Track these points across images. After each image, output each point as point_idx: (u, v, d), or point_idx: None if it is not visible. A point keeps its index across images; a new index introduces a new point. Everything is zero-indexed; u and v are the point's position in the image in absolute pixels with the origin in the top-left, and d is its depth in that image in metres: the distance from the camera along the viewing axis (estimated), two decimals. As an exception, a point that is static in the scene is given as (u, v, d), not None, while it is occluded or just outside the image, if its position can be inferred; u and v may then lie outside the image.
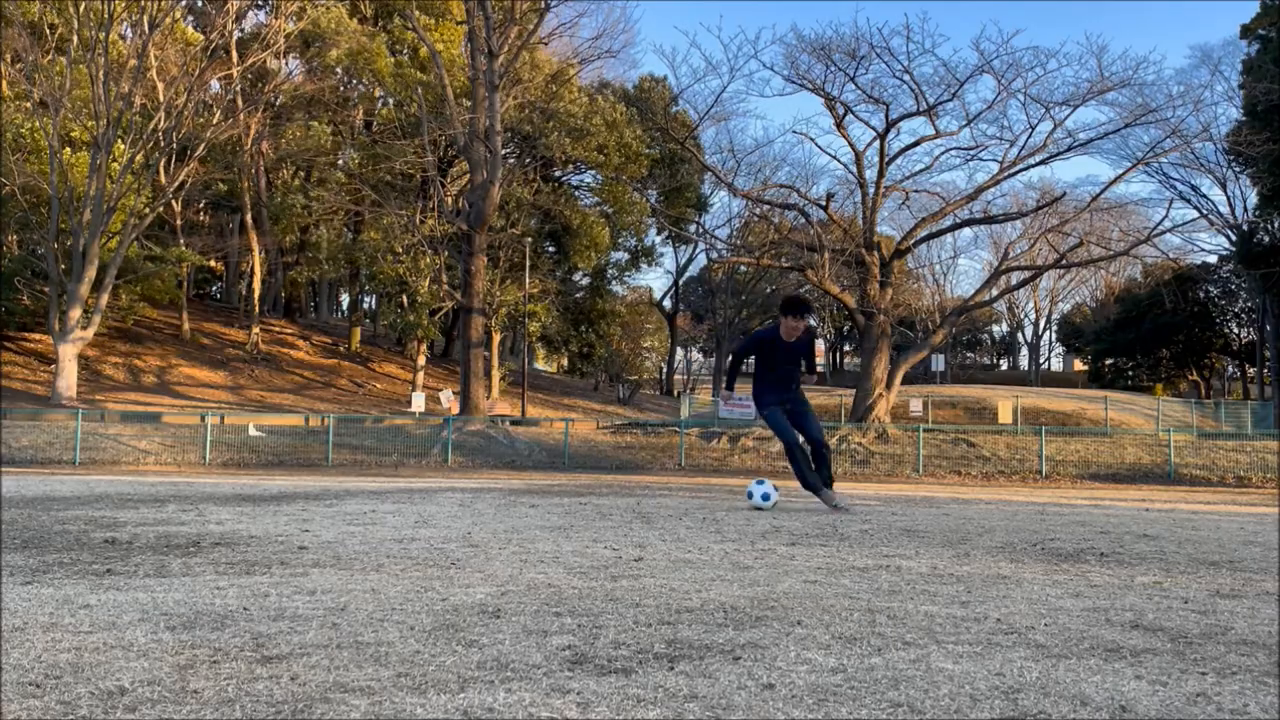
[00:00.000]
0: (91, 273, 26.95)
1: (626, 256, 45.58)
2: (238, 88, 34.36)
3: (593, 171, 39.62)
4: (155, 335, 36.74)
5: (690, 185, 43.39)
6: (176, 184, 29.86)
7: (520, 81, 31.17)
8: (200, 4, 36.24)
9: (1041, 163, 27.84)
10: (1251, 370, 60.34)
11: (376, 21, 36.70)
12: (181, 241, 35.37)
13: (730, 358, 8.76)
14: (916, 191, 29.85)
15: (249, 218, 36.55)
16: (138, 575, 3.56)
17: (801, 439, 8.07)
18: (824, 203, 28.94)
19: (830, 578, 3.79)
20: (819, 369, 9.59)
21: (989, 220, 31.36)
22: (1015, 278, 32.14)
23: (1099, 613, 3.08)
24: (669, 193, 42.02)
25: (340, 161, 33.89)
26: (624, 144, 35.96)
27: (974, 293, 30.83)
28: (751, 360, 8.64)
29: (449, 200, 33.47)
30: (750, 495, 7.84)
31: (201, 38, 32.27)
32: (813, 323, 9.42)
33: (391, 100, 35.50)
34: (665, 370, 57.33)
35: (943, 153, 29.26)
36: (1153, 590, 3.63)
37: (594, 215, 38.68)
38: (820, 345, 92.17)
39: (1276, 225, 39.59)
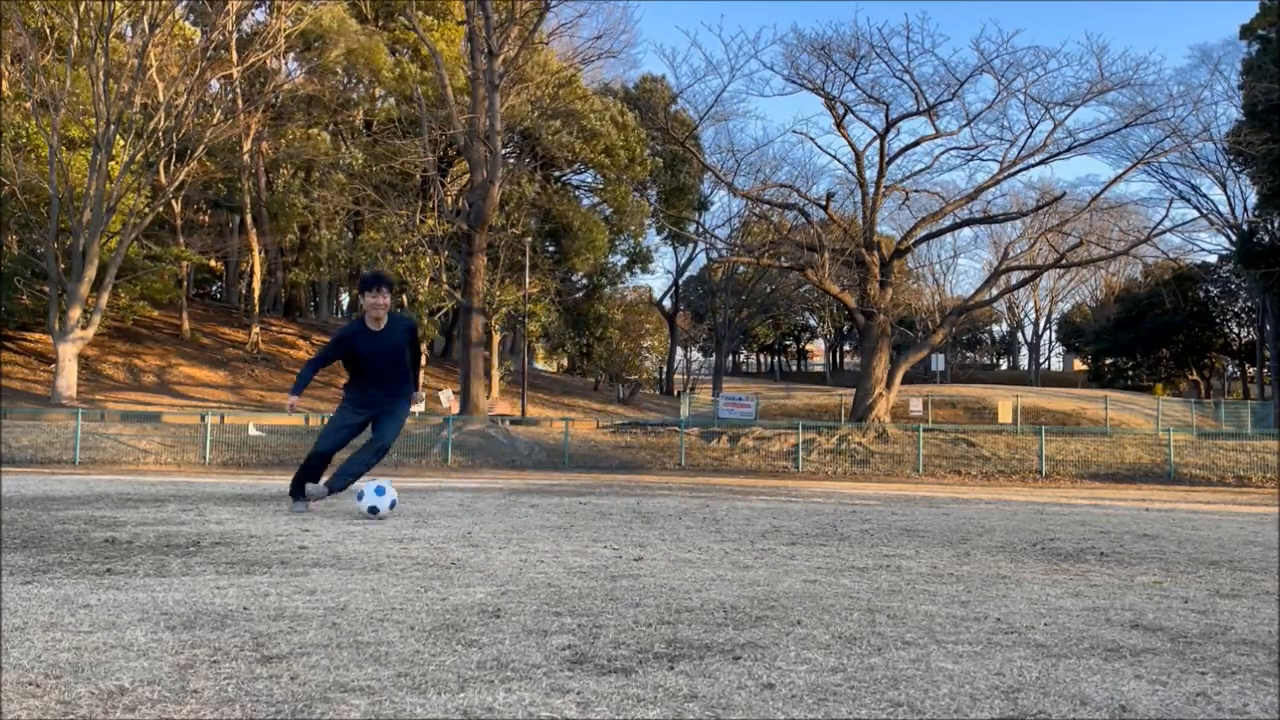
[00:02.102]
0: (91, 272, 26.95)
1: (624, 260, 45.63)
2: (238, 87, 34.36)
3: (592, 171, 39.60)
4: (155, 335, 36.74)
5: (691, 187, 43.36)
6: (176, 184, 29.86)
7: (524, 80, 31.13)
8: (201, 3, 36.25)
9: (1041, 162, 27.89)
10: (1251, 370, 60.33)
11: (377, 21, 36.69)
12: (181, 241, 35.35)
13: (311, 362, 6.77)
14: (916, 191, 29.88)
15: (249, 218, 36.55)
16: (138, 575, 3.56)
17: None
18: (824, 202, 28.96)
19: (830, 578, 3.79)
20: (419, 385, 7.64)
21: (989, 220, 31.40)
22: (1015, 277, 32.17)
23: (1099, 612, 3.08)
24: (669, 193, 41.99)
25: (343, 161, 33.83)
26: (629, 145, 35.95)
27: (974, 292, 30.86)
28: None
29: (449, 200, 33.47)
30: (360, 497, 6.28)
31: (198, 33, 32.26)
32: (410, 319, 7.44)
33: (391, 100, 35.49)
34: (665, 370, 57.34)
35: (943, 152, 29.32)
36: (1153, 590, 3.63)
37: (594, 217, 38.66)
38: (814, 346, 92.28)
39: (1276, 225, 39.58)
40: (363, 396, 6.67)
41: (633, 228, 40.71)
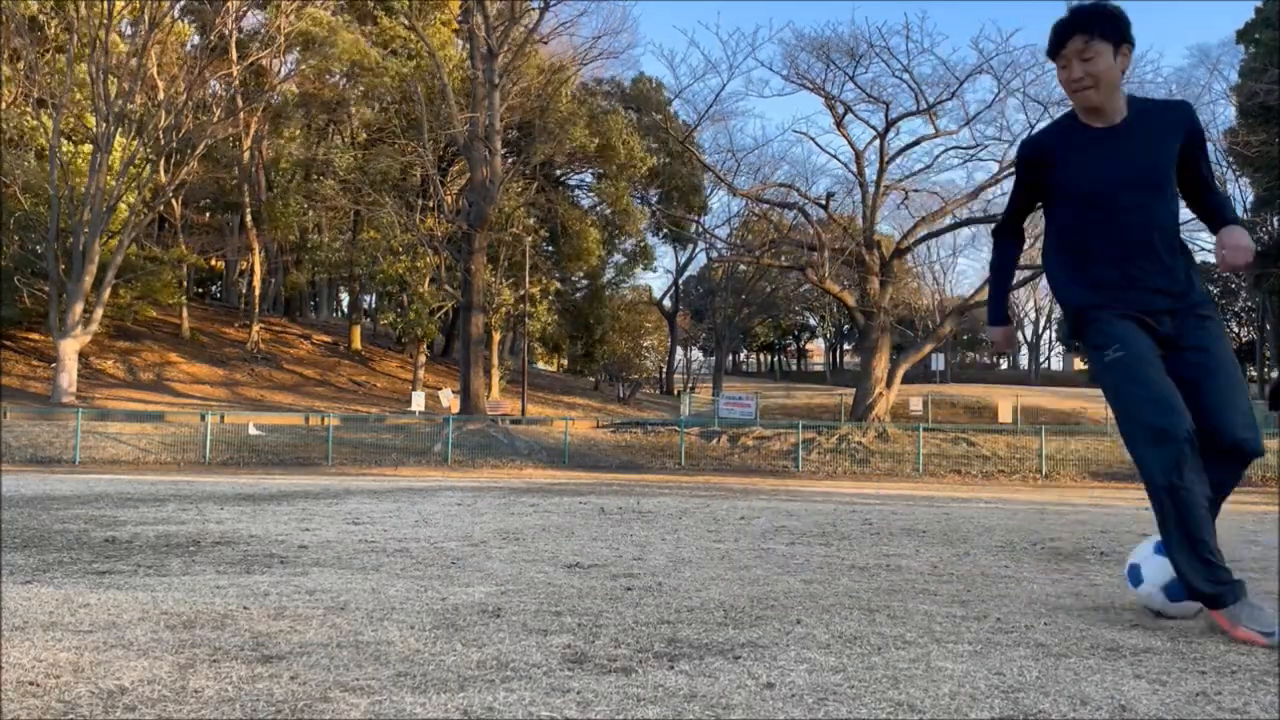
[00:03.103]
0: (92, 271, 26.97)
1: (624, 259, 45.61)
2: (236, 84, 34.35)
3: (590, 171, 39.52)
4: (154, 334, 36.74)
5: (690, 185, 43.29)
6: (176, 183, 29.86)
7: (518, 70, 31.08)
8: (199, 4, 36.24)
9: (1041, 161, 27.89)
10: (1252, 369, 60.31)
11: (368, 21, 36.63)
12: (181, 241, 35.35)
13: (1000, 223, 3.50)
14: (916, 191, 29.92)
15: (249, 217, 36.56)
16: (138, 574, 3.56)
17: None
18: (824, 202, 28.99)
19: (830, 577, 3.79)
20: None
21: (989, 220, 31.39)
22: (1015, 277, 32.17)
23: (1099, 612, 3.08)
24: (668, 192, 41.94)
25: (333, 163, 33.76)
26: (625, 140, 35.83)
27: (974, 292, 30.87)
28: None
29: (449, 200, 33.46)
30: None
31: (192, 31, 32.27)
32: None
33: (389, 99, 35.44)
34: (665, 369, 57.32)
35: (942, 152, 29.42)
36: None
37: (589, 220, 38.54)
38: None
39: (1276, 225, 39.59)
40: (1113, 283, 2.95)
41: (629, 230, 40.60)
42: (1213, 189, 3.08)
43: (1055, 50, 2.98)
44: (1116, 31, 2.95)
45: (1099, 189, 2.96)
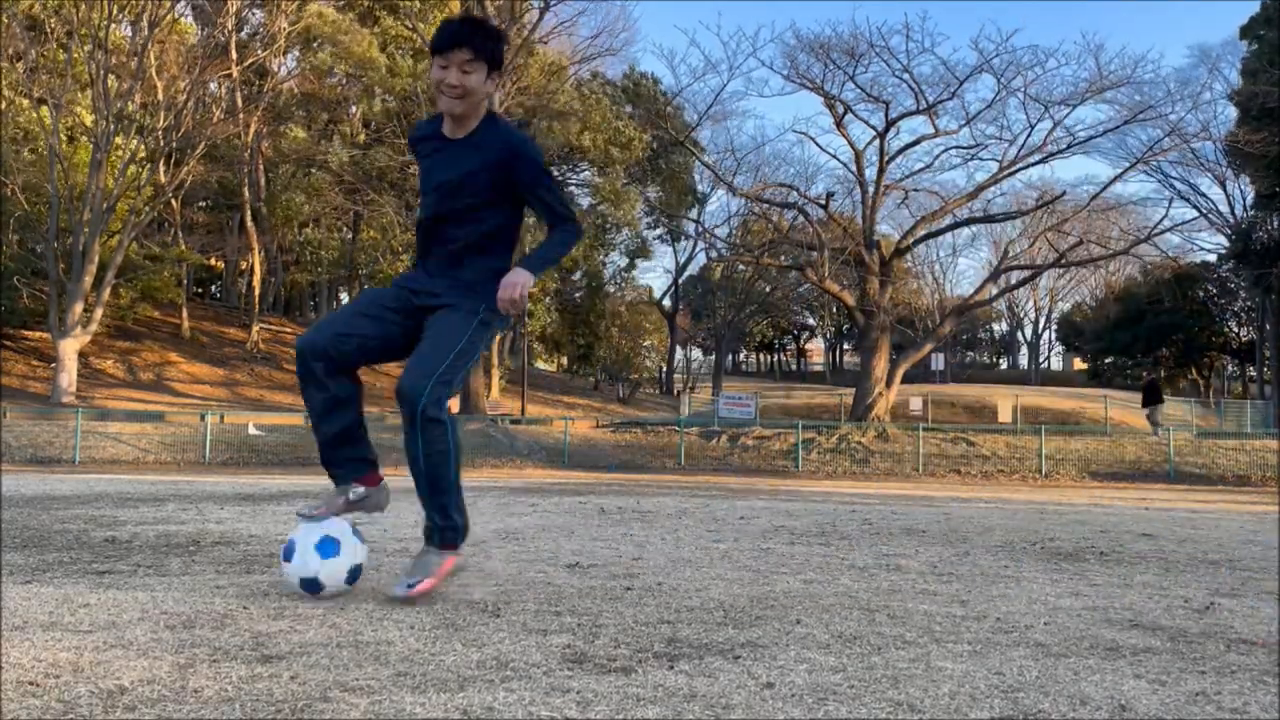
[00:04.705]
0: (92, 270, 26.96)
1: (623, 259, 45.64)
2: (237, 84, 34.33)
3: (590, 169, 39.45)
4: (154, 333, 36.74)
5: (684, 169, 42.99)
6: (177, 183, 29.85)
7: (515, 69, 31.04)
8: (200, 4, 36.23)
9: (1040, 161, 27.93)
10: (1251, 369, 60.34)
11: (369, 20, 36.61)
12: (181, 241, 35.35)
13: None
14: (916, 190, 29.92)
15: (248, 216, 36.55)
16: (137, 574, 3.55)
17: None
18: (823, 202, 28.99)
19: (829, 577, 3.79)
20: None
21: (988, 219, 31.42)
22: (1015, 277, 32.16)
23: (1098, 612, 3.08)
24: (664, 180, 41.76)
25: (331, 160, 33.69)
26: (615, 128, 35.56)
27: (974, 291, 30.88)
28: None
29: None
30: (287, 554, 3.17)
31: (196, 30, 32.27)
32: None
33: (389, 99, 35.41)
34: (665, 369, 57.30)
35: (942, 152, 29.34)
36: (1153, 589, 3.63)
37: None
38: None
39: (1275, 224, 39.58)
40: (415, 269, 3.52)
41: (628, 220, 40.37)
42: (549, 220, 3.28)
43: (442, 49, 3.09)
44: (495, 57, 3.13)
45: (428, 190, 3.28)
